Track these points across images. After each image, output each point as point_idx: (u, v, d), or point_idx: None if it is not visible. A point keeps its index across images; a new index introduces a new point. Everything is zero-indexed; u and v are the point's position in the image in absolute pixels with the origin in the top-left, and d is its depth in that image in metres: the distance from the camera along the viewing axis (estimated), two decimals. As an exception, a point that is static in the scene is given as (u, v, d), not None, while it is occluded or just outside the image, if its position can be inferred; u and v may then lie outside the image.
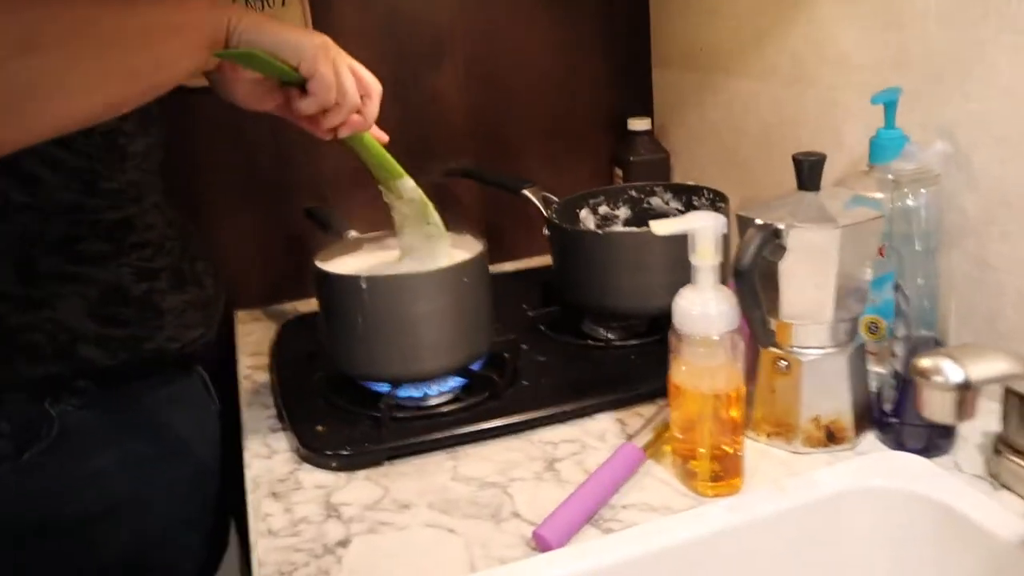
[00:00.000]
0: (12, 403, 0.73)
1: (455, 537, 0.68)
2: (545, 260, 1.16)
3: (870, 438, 0.76)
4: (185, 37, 0.65)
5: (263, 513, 0.73)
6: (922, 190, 0.70)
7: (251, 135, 1.16)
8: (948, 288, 0.70)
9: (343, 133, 0.76)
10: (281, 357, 1.01)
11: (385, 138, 0.82)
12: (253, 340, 1.11)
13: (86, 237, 0.74)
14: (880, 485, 0.68)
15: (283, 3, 1.10)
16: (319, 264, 0.87)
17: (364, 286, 0.81)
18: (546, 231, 1.05)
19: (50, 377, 0.73)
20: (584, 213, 1.10)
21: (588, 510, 0.68)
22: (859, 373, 0.75)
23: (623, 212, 1.12)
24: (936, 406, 0.46)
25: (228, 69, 0.72)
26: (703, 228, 0.67)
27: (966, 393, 0.45)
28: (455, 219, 0.92)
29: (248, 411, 0.91)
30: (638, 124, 1.26)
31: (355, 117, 0.75)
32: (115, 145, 0.74)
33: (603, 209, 1.12)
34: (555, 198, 1.08)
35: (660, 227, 0.68)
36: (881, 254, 0.81)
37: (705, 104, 1.20)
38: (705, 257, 0.68)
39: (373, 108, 0.77)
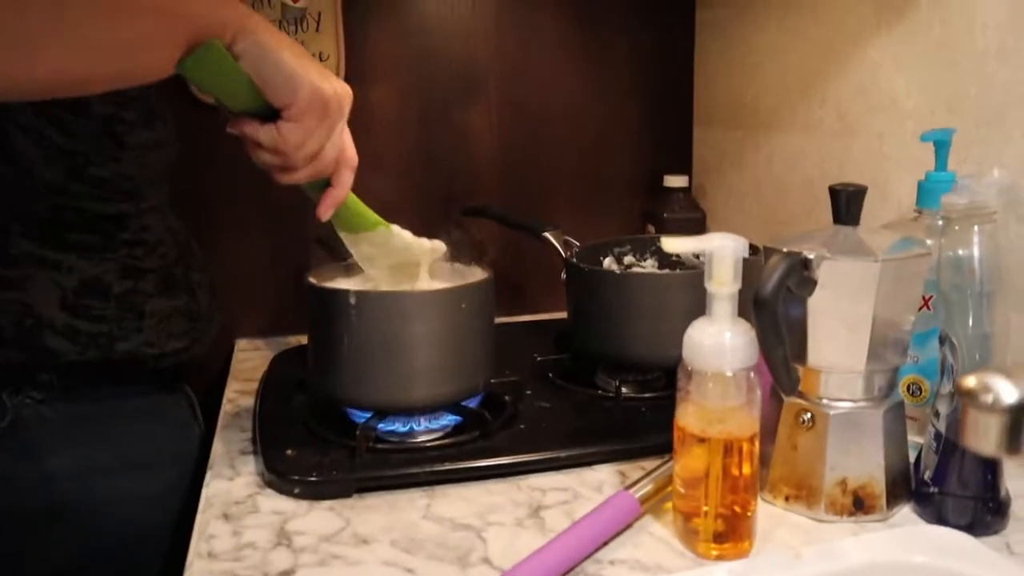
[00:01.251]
0: None
1: (413, 579, 0.59)
2: (565, 314, 1.09)
3: (905, 511, 0.66)
4: (177, 27, 0.55)
5: (208, 534, 0.65)
6: (975, 228, 0.62)
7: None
8: (1003, 340, 0.61)
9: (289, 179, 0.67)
10: (270, 383, 0.94)
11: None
12: (248, 367, 1.05)
13: (73, 226, 0.70)
14: (916, 562, 0.58)
15: (317, 29, 1.08)
16: (311, 279, 0.81)
17: (352, 301, 0.75)
18: (564, 275, 0.98)
19: (10, 364, 0.68)
20: (608, 261, 1.04)
21: (567, 561, 0.59)
22: (895, 433, 0.65)
23: (650, 264, 1.05)
24: (982, 434, 0.37)
25: None
26: (721, 248, 0.60)
27: (1021, 418, 0.36)
28: (471, 263, 0.87)
29: (222, 433, 0.84)
30: (675, 181, 1.20)
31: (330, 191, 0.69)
32: (111, 132, 0.70)
33: (628, 259, 1.05)
34: (578, 244, 1.02)
35: (672, 243, 0.61)
36: (928, 306, 0.73)
37: (746, 162, 1.14)
38: (722, 283, 0.60)
39: (346, 179, 0.70)
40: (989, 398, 0.36)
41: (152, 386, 0.79)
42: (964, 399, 0.37)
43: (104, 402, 0.74)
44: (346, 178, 0.69)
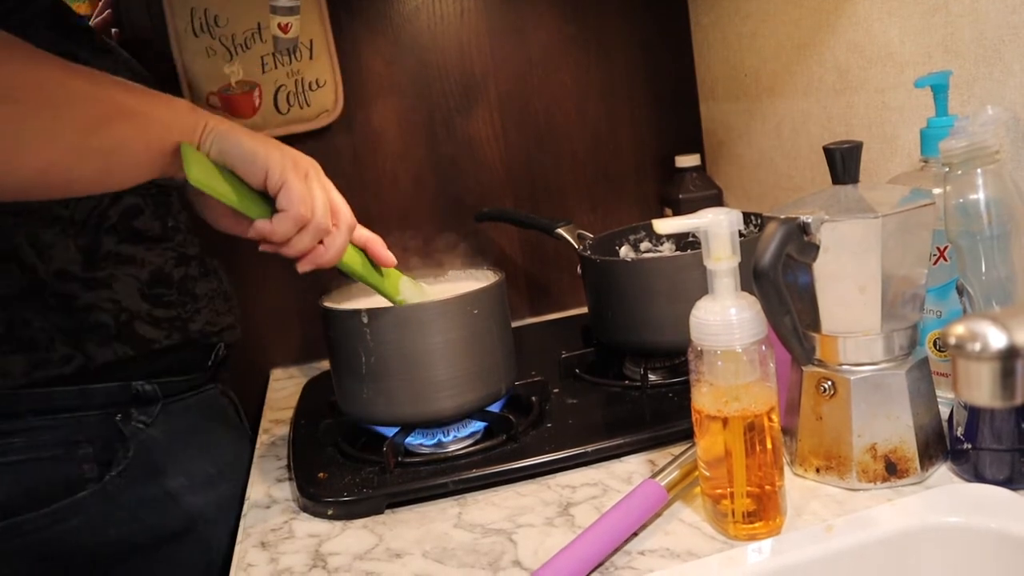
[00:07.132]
0: (88, 422, 0.73)
1: (445, 588, 0.60)
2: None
3: (943, 471, 0.64)
4: (151, 131, 0.60)
5: (245, 563, 0.66)
6: (979, 170, 0.60)
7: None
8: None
9: (303, 267, 0.68)
10: (303, 409, 0.96)
11: (393, 261, 0.76)
12: (283, 396, 1.06)
13: (142, 211, 0.78)
14: (953, 522, 0.56)
15: (310, 57, 1.10)
16: (324, 303, 0.82)
17: (365, 320, 0.76)
18: (580, 269, 0.97)
19: (118, 362, 0.75)
20: (624, 250, 1.03)
21: (596, 555, 0.59)
22: (922, 392, 0.63)
23: (667, 248, 1.04)
24: (974, 383, 0.35)
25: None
26: (715, 223, 0.59)
27: (1013, 364, 0.34)
28: (485, 267, 0.89)
29: (259, 462, 0.86)
30: (686, 160, 1.19)
31: (319, 248, 0.67)
32: None
33: (645, 244, 1.04)
34: (591, 236, 1.01)
35: (663, 225, 0.60)
36: (944, 258, 0.71)
37: (754, 132, 1.12)
38: (720, 259, 0.59)
39: (340, 240, 0.69)
40: (977, 346, 0.35)
41: (212, 390, 0.86)
42: (952, 349, 0.36)
43: (189, 416, 0.81)
44: (336, 239, 0.69)
